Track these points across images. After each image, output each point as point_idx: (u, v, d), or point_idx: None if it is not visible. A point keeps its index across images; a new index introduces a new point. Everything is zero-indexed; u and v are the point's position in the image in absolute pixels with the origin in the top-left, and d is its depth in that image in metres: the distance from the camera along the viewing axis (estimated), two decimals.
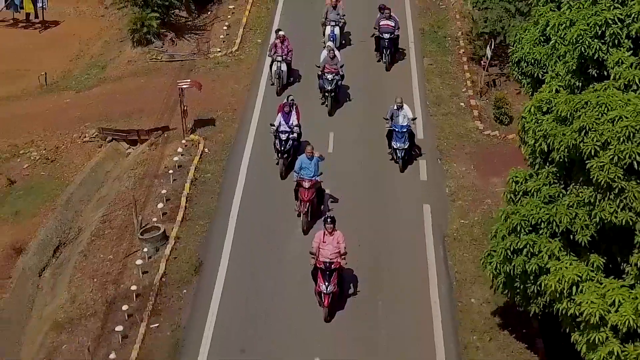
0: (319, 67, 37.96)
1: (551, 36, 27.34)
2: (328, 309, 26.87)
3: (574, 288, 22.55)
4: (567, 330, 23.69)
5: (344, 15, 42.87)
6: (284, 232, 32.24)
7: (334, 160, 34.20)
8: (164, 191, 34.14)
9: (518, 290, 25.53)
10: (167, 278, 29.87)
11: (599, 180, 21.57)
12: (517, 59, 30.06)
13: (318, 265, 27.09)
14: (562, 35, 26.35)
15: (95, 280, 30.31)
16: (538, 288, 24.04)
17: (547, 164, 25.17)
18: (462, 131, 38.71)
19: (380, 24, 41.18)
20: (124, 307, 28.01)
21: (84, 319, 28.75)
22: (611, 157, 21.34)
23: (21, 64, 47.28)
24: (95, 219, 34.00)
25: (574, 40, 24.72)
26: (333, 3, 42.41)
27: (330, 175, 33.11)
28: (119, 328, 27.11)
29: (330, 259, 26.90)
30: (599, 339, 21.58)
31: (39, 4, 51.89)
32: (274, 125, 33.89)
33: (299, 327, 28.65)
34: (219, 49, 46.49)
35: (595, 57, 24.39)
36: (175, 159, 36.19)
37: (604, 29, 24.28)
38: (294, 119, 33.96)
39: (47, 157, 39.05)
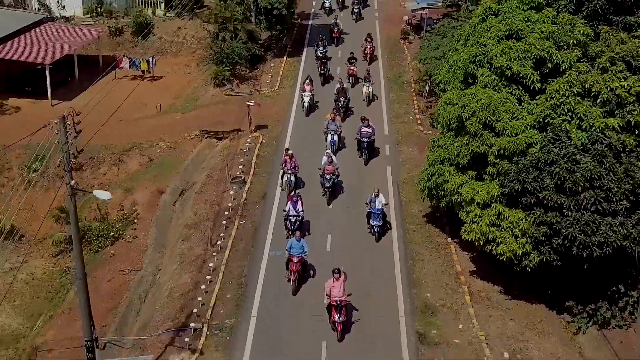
0: (320, 169, 37.22)
1: (453, 66, 34.75)
2: (340, 333, 27.45)
3: (460, 187, 30.40)
4: (457, 211, 31.35)
5: (340, 126, 41.70)
6: (310, 175, 37.71)
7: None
8: (241, 160, 40.95)
9: (434, 196, 33.18)
10: (247, 201, 37.08)
11: (470, 131, 29.67)
12: (437, 82, 38.45)
13: (332, 303, 27.44)
14: (457, 64, 34.00)
15: (207, 203, 37.47)
16: (443, 192, 31.60)
17: (449, 131, 32.69)
18: (410, 131, 45.16)
19: (362, 130, 40.33)
20: (226, 213, 35.51)
21: (202, 222, 35.87)
22: (476, 118, 29.40)
23: (143, 100, 51.20)
24: (202, 176, 40.68)
25: (461, 64, 32.91)
26: (332, 117, 41.41)
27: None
28: (224, 222, 34.62)
29: (340, 298, 27.21)
30: (470, 209, 29.63)
31: (151, 65, 56.09)
32: (285, 211, 33.62)
33: (317, 218, 34.66)
34: (266, 89, 52.54)
35: (471, 73, 32.28)
36: (246, 145, 42.88)
37: (475, 58, 31.97)
38: (299, 207, 33.36)
39: (170, 147, 44.92)
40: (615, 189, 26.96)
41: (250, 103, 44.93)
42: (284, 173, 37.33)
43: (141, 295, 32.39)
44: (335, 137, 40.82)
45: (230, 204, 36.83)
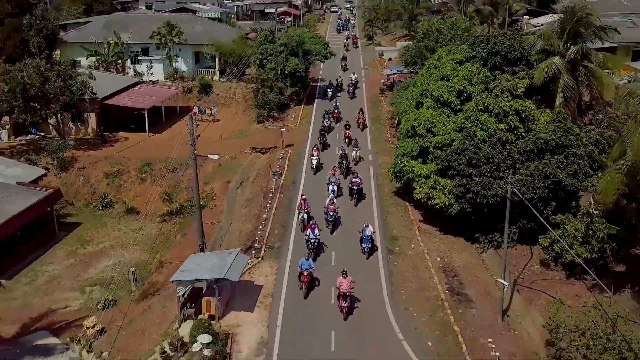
0: (325, 208, 36.87)
1: (409, 98, 40.12)
2: (345, 314, 28.05)
3: (413, 168, 35.77)
4: (411, 183, 36.37)
5: (339, 179, 41.11)
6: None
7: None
8: (278, 163, 46.78)
9: (398, 176, 38.14)
10: (283, 185, 42.98)
11: (419, 133, 35.42)
12: (401, 111, 43.10)
13: (340, 293, 28.25)
14: (412, 97, 39.45)
15: (258, 187, 43.26)
16: (403, 173, 36.91)
17: (407, 137, 37.83)
18: (385, 147, 50.67)
19: (352, 180, 40.24)
20: (271, 191, 41.66)
21: (256, 197, 41.83)
22: (422, 126, 35.31)
23: (209, 134, 51.21)
24: (254, 173, 46.19)
25: (414, 96, 38.44)
26: (333, 172, 40.99)
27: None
28: (270, 196, 40.81)
29: (346, 290, 27.95)
30: (418, 180, 35.24)
31: (212, 112, 59.99)
32: (307, 235, 33.41)
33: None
34: (291, 124, 57.59)
35: (420, 101, 37.73)
36: (281, 155, 48.65)
37: (423, 92, 37.58)
38: (317, 232, 33.33)
39: (232, 157, 49.90)
40: (502, 164, 33.17)
41: (283, 129, 51.04)
42: (299, 213, 37.17)
43: (222, 236, 38.41)
44: (335, 187, 40.40)
45: (273, 187, 42.92)
